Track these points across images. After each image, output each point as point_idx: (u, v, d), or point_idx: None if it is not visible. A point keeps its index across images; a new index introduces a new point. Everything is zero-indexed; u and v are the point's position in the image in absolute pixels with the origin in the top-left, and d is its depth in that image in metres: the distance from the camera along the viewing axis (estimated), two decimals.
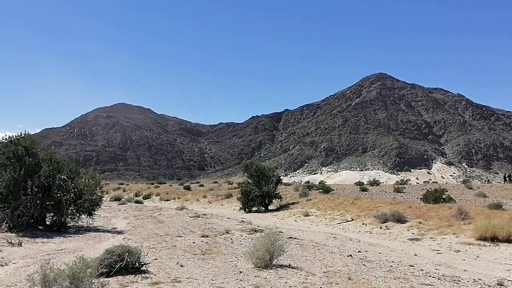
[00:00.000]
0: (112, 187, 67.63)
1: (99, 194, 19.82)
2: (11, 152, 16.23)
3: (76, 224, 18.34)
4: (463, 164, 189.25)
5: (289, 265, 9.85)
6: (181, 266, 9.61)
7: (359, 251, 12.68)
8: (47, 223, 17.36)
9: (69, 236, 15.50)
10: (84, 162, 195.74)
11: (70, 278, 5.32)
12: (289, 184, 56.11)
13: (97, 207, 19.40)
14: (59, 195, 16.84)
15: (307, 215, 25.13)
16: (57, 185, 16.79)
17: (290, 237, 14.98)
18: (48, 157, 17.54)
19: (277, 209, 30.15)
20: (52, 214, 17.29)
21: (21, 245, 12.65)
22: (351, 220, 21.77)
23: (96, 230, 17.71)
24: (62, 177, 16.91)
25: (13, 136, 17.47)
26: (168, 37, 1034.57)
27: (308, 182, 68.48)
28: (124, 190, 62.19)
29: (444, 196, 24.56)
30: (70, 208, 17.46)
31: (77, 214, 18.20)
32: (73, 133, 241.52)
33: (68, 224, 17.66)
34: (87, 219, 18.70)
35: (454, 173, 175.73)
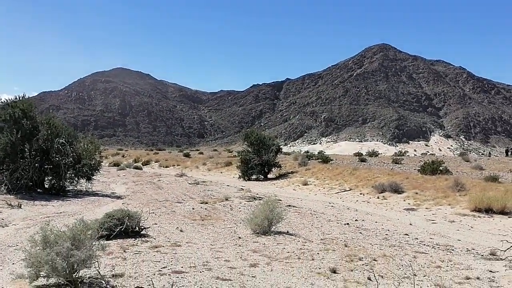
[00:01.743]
0: (110, 153, 67.75)
1: (98, 159, 19.88)
2: (8, 115, 16.15)
3: (75, 188, 18.44)
4: (461, 137, 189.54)
5: (287, 232, 9.98)
6: (181, 231, 9.72)
7: (356, 220, 12.84)
8: (46, 186, 17.47)
9: (68, 200, 15.62)
10: (82, 126, 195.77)
11: (70, 239, 5.36)
12: (288, 154, 56.31)
13: (96, 171, 19.48)
14: (57, 159, 16.85)
15: (306, 184, 25.32)
16: (55, 149, 16.79)
17: (289, 205, 15.13)
18: (46, 120, 17.48)
19: (276, 178, 30.36)
20: (51, 177, 17.38)
21: (20, 207, 12.76)
22: (349, 190, 21.96)
23: (95, 194, 17.85)
24: (61, 141, 16.89)
25: (10, 98, 17.36)
26: (169, 2, 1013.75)
27: (307, 152, 68.69)
28: (123, 156, 62.35)
29: (441, 168, 24.70)
30: (68, 172, 17.52)
31: (76, 178, 18.29)
32: (71, 97, 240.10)
33: (67, 188, 17.77)
34: (86, 184, 18.80)
35: (451, 145, 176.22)
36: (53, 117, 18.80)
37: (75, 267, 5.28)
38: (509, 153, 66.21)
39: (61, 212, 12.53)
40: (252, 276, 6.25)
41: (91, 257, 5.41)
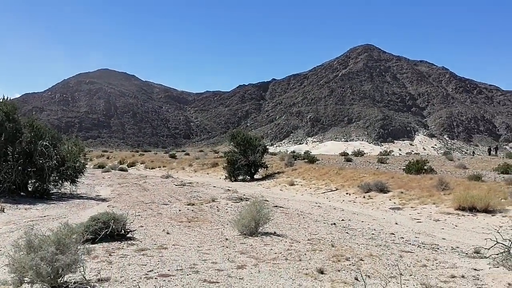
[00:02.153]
0: (95, 155, 67.05)
1: (82, 161, 19.65)
2: None
3: (59, 191, 18.21)
4: (445, 136, 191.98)
5: (274, 232, 9.99)
6: (167, 233, 9.66)
7: (342, 220, 12.91)
8: (29, 189, 17.20)
9: (52, 203, 15.41)
10: (66, 128, 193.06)
11: (55, 243, 5.29)
12: (275, 154, 56.40)
13: (81, 174, 19.26)
14: (41, 161, 16.62)
15: (292, 185, 25.38)
16: (39, 151, 16.55)
17: (276, 206, 15.15)
18: (30, 123, 17.22)
19: (263, 178, 30.36)
20: (34, 180, 17.13)
21: (3, 211, 12.54)
22: (336, 190, 22.07)
23: (80, 197, 17.64)
24: (44, 143, 16.65)
25: None
26: (153, 3, 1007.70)
27: (293, 152, 68.91)
28: (108, 158, 61.75)
29: (425, 167, 25.01)
30: (52, 175, 17.28)
31: (60, 181, 18.06)
32: (55, 99, 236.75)
33: (51, 191, 17.53)
34: (70, 186, 18.58)
35: (435, 145, 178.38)
36: (37, 119, 18.54)
37: (60, 272, 5.21)
38: (492, 152, 67.38)
39: (45, 216, 12.35)
40: (239, 278, 6.23)
41: (76, 262, 5.34)
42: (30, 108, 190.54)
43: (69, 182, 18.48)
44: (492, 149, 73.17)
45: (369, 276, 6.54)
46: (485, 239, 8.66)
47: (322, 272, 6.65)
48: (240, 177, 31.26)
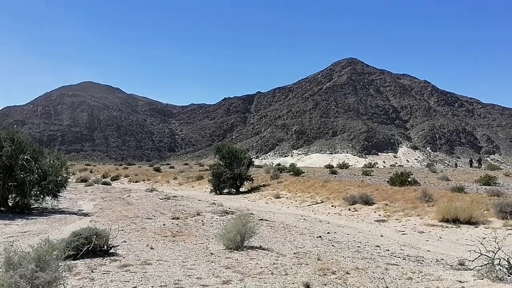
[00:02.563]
0: (78, 168, 66.06)
1: (64, 175, 19.30)
2: None
3: (40, 206, 17.84)
4: (427, 149, 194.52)
5: (260, 246, 9.91)
6: (151, 248, 9.51)
7: (328, 233, 12.90)
8: (10, 204, 16.81)
9: (33, 218, 15.07)
10: (49, 142, 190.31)
11: (35, 260, 5.14)
12: (260, 167, 56.32)
13: (63, 188, 18.89)
14: (22, 175, 16.28)
15: (278, 197, 25.34)
16: (20, 165, 16.23)
17: (261, 219, 15.07)
18: (10, 136, 16.89)
19: (249, 191, 30.27)
20: (15, 195, 16.76)
21: None
22: (321, 202, 22.10)
23: (62, 212, 17.29)
24: (25, 157, 16.34)
25: None
26: (136, 16, 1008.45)
27: (279, 164, 68.95)
28: (91, 171, 60.87)
29: (409, 179, 25.26)
30: (33, 189, 16.94)
31: (41, 196, 17.69)
32: (37, 112, 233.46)
33: (32, 206, 17.16)
34: (52, 201, 18.20)
35: (418, 157, 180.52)
36: (17, 132, 18.20)
37: None
38: (474, 164, 68.41)
39: (25, 232, 12.06)
40: None
41: (57, 279, 5.20)
42: (11, 121, 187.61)
43: (50, 197, 18.10)
44: (474, 161, 74.40)
45: None
46: (469, 250, 8.72)
47: (308, 286, 6.60)
48: (226, 190, 31.11)
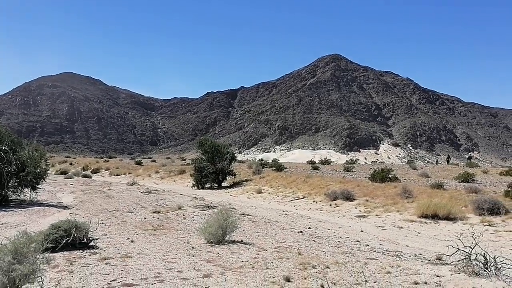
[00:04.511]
0: (58, 160, 65.02)
1: (43, 167, 18.99)
2: None
3: (19, 198, 17.54)
4: (408, 146, 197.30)
5: (242, 241, 9.93)
6: (132, 241, 9.44)
7: (309, 228, 12.99)
8: None
9: (11, 210, 14.80)
10: (27, 133, 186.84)
11: (12, 253, 5.05)
12: (243, 162, 56.34)
13: (42, 180, 18.60)
14: None
15: (260, 192, 25.39)
16: None
17: (243, 214, 15.09)
18: None
19: (231, 186, 30.25)
20: None
21: None
22: (303, 198, 22.23)
23: (40, 204, 17.01)
24: (3, 148, 16.02)
25: None
26: (118, 8, 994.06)
27: (261, 160, 69.02)
28: (71, 164, 59.99)
29: (390, 176, 25.60)
30: (11, 180, 16.64)
31: (20, 188, 17.40)
32: (15, 102, 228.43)
33: (10, 198, 16.85)
34: (30, 193, 17.91)
35: (399, 153, 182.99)
36: None
37: (17, 282, 4.98)
38: (450, 161, 69.93)
39: (2, 224, 11.84)
40: (205, 287, 6.14)
41: (35, 272, 5.12)
42: None
43: (29, 189, 17.81)
44: (450, 157, 76.73)
45: (335, 284, 6.58)
46: (447, 246, 8.90)
47: (288, 280, 6.64)
48: (208, 185, 31.03)
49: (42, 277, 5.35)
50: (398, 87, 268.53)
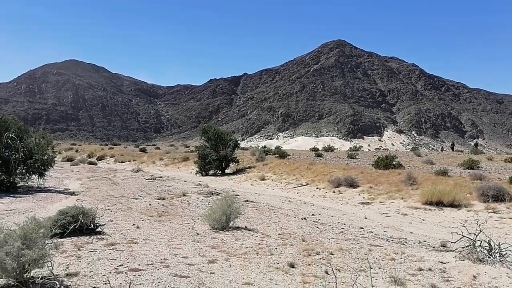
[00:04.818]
0: (63, 148, 65.37)
1: (50, 154, 19.14)
2: None
3: (26, 185, 17.72)
4: (413, 132, 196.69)
5: (245, 227, 10.02)
6: (137, 228, 9.55)
7: (312, 214, 13.05)
8: None
9: (19, 197, 14.96)
10: (33, 120, 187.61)
11: (21, 238, 5.13)
12: (246, 149, 56.40)
13: (49, 167, 18.76)
14: (7, 154, 16.10)
15: (263, 179, 25.47)
16: (5, 143, 16.02)
17: (247, 200, 15.18)
18: None
19: (234, 173, 30.35)
20: (0, 173, 16.57)
21: None
22: (306, 185, 22.29)
23: (48, 191, 17.17)
24: (10, 135, 16.13)
25: None
26: None
27: (264, 147, 69.12)
28: (76, 151, 60.32)
29: (394, 163, 25.58)
30: (19, 167, 16.78)
31: (27, 174, 17.57)
32: (21, 90, 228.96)
33: (18, 184, 17.03)
34: (37, 180, 18.09)
35: (404, 140, 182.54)
36: (1, 109, 17.91)
37: (26, 267, 5.07)
38: (454, 148, 69.63)
39: (11, 210, 11.99)
40: (210, 273, 6.23)
41: (44, 257, 5.21)
42: None
43: (36, 175, 17.99)
44: (454, 144, 76.33)
45: (339, 270, 6.66)
46: (451, 233, 8.93)
47: (292, 266, 6.71)
48: (211, 172, 31.15)
49: (51, 262, 5.45)
50: (403, 73, 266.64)
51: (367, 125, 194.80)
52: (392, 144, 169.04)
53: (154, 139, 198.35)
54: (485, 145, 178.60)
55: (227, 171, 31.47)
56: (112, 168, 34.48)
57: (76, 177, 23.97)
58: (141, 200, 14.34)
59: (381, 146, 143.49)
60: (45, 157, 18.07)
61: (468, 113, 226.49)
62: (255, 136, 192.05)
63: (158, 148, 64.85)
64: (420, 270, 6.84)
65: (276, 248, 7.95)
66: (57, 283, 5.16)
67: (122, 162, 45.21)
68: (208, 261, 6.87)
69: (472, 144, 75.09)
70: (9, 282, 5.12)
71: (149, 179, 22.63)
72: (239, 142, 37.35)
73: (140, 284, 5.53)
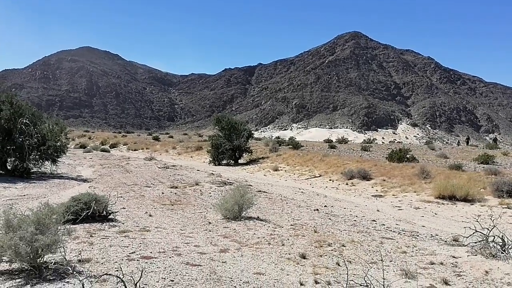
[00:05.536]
0: (76, 134, 66.06)
1: (63, 141, 19.31)
2: None
3: (39, 171, 17.91)
4: (427, 126, 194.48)
5: (258, 217, 10.01)
6: (150, 215, 9.59)
7: (325, 206, 13.00)
8: (8, 168, 16.86)
9: (32, 182, 15.14)
10: (47, 107, 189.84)
11: (35, 223, 5.18)
12: (259, 139, 56.36)
13: (62, 154, 18.94)
14: (20, 139, 16.28)
15: (276, 170, 25.44)
16: (19, 129, 16.20)
17: (259, 191, 15.17)
18: (9, 99, 16.78)
19: (247, 163, 30.37)
20: (14, 159, 16.77)
21: None
22: (319, 176, 22.21)
23: (60, 177, 17.36)
24: (24, 121, 16.29)
25: None
26: None
27: (278, 137, 68.96)
28: (89, 138, 60.92)
29: (408, 156, 25.34)
30: (32, 153, 16.96)
31: (41, 160, 17.74)
32: (35, 76, 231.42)
33: (31, 170, 17.22)
34: (50, 166, 18.27)
35: (418, 134, 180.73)
36: (15, 95, 18.07)
37: (39, 252, 5.12)
38: (469, 142, 68.74)
39: (24, 195, 12.14)
40: (222, 262, 6.23)
41: (57, 242, 5.25)
42: (9, 85, 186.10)
43: (49, 162, 18.17)
44: (469, 138, 75.32)
45: (350, 262, 6.61)
46: (464, 227, 8.82)
47: (304, 257, 6.69)
48: (224, 161, 31.21)
49: (64, 247, 5.49)
50: (419, 66, 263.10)
51: (381, 118, 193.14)
52: (406, 137, 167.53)
53: (167, 128, 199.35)
54: (501, 140, 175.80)
55: (240, 161, 31.49)
56: (125, 156, 34.74)
57: (88, 164, 24.19)
58: (153, 188, 14.42)
59: (395, 139, 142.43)
60: (58, 144, 18.24)
61: (484, 108, 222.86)
62: (269, 126, 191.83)
63: (171, 137, 65.15)
64: (432, 264, 6.76)
65: (288, 239, 7.93)
66: (70, 268, 5.20)
67: (135, 150, 45.55)
68: (220, 250, 6.88)
69: (488, 139, 73.95)
70: (23, 266, 5.18)
71: (162, 167, 22.74)
72: (252, 132, 37.30)
73: (152, 271, 5.55)
